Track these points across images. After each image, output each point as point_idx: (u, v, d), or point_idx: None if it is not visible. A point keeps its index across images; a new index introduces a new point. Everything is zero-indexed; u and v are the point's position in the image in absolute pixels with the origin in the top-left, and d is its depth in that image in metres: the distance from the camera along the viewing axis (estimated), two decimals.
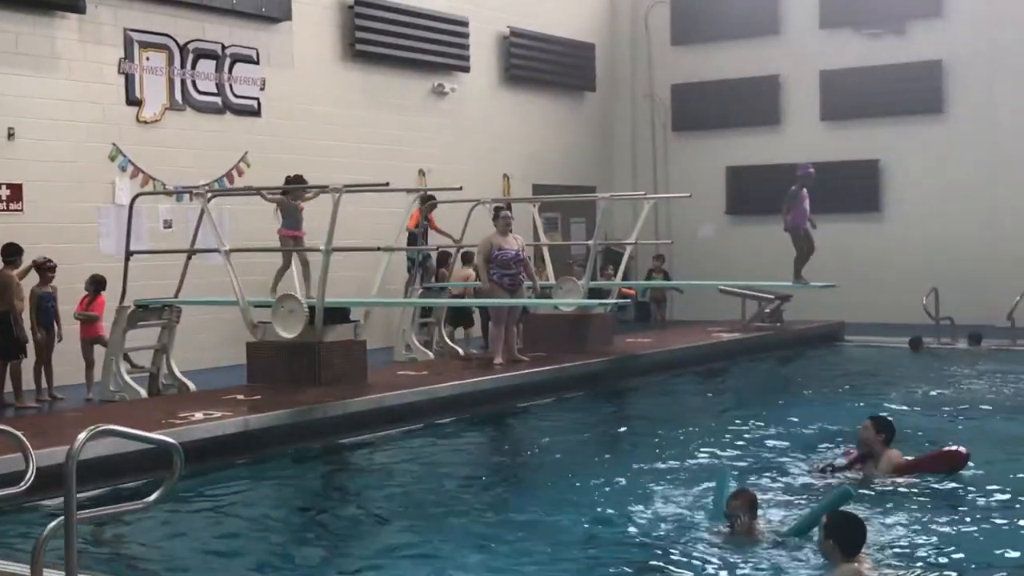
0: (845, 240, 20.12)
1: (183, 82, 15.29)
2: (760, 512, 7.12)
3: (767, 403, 12.99)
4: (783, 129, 22.22)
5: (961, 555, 6.70)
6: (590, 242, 15.86)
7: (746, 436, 10.63)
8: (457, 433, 11.20)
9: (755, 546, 6.76)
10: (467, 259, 15.96)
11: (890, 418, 8.98)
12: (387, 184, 12.18)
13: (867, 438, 8.64)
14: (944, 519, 7.39)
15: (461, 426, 11.44)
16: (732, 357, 16.39)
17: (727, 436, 10.57)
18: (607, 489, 8.47)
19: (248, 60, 16.07)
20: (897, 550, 6.74)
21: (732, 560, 6.58)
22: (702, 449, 9.89)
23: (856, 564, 5.95)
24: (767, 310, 18.29)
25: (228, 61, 15.81)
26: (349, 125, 17.41)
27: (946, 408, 12.05)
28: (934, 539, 7.00)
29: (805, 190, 16.45)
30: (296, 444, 10.08)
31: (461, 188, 13.42)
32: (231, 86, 15.85)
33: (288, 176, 13.54)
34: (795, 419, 11.36)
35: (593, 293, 15.98)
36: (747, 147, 22.31)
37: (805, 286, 16.85)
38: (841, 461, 8.84)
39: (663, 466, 9.25)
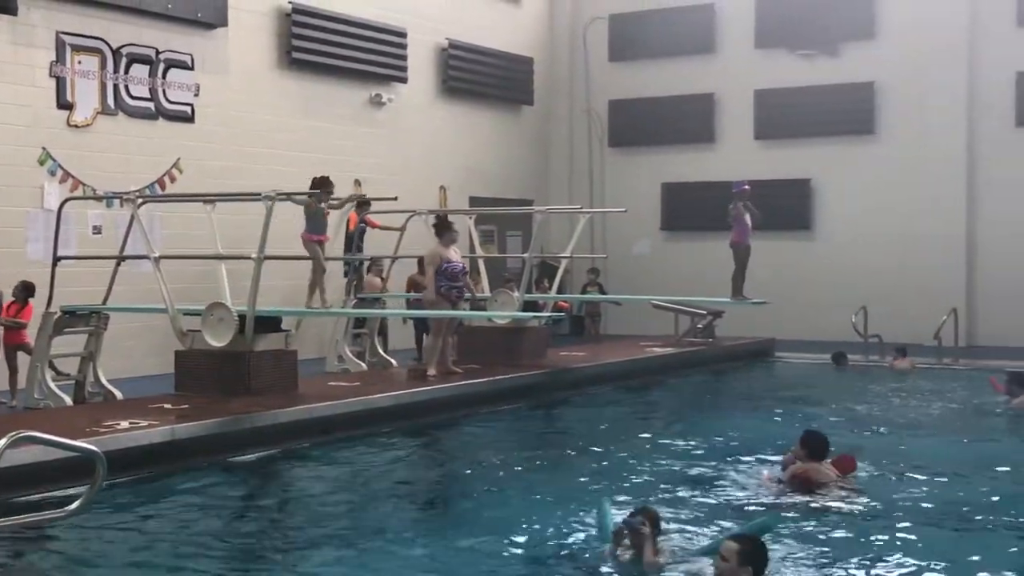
0: (776, 258, 20.34)
1: (116, 87, 15.09)
2: (663, 530, 6.90)
3: (695, 417, 13.15)
4: (718, 147, 22.44)
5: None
6: (526, 255, 15.88)
7: (671, 450, 10.69)
8: (388, 445, 11.13)
9: (655, 568, 6.55)
10: (374, 268, 15.86)
11: (820, 434, 9.08)
12: (320, 192, 12.08)
13: (794, 452, 8.93)
14: (835, 540, 7.40)
15: (392, 438, 11.37)
16: (664, 372, 16.50)
17: (652, 451, 10.65)
18: (523, 504, 8.43)
19: (183, 66, 15.90)
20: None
21: None
22: (628, 463, 9.93)
23: None
24: (699, 325, 18.44)
25: (162, 66, 15.63)
26: (284, 133, 17.30)
27: (860, 424, 12.19)
28: (823, 560, 6.95)
29: (741, 205, 16.62)
30: (224, 454, 9.96)
31: (396, 199, 13.37)
32: (165, 92, 15.68)
33: (315, 178, 13.28)
34: (720, 433, 11.47)
35: (528, 306, 16.00)
36: (682, 164, 22.50)
37: (742, 302, 17.02)
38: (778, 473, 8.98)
39: (585, 481, 9.24)
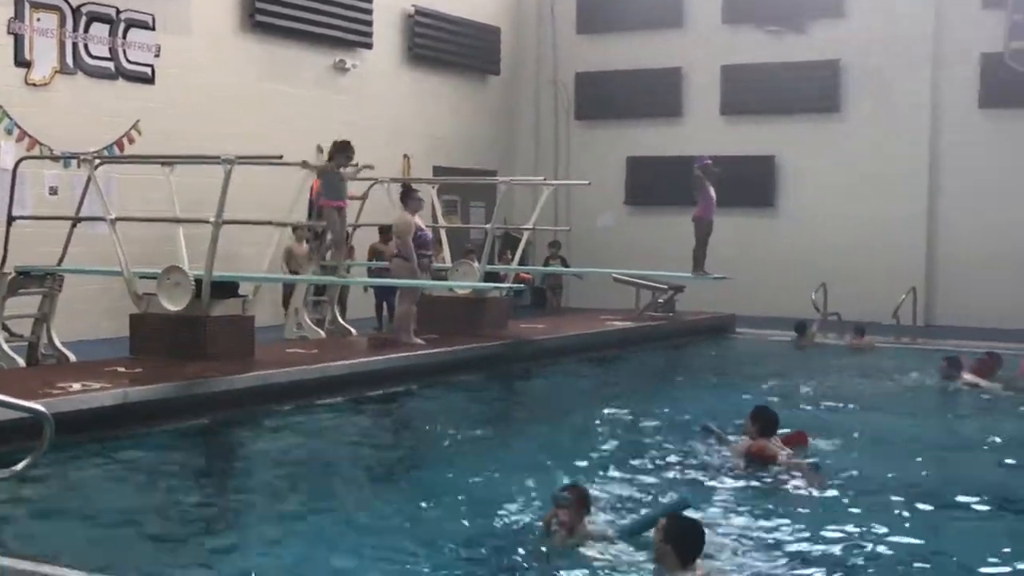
0: (738, 234, 20.37)
1: (75, 45, 14.87)
2: (593, 510, 6.74)
3: (652, 392, 13.19)
4: (684, 121, 22.41)
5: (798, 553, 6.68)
6: (488, 226, 15.81)
7: (625, 424, 10.68)
8: (344, 413, 11.06)
9: (579, 547, 6.37)
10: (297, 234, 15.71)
11: (768, 409, 9.13)
12: (280, 157, 11.95)
13: (744, 427, 9.06)
14: (787, 517, 7.37)
15: (348, 406, 11.29)
16: (624, 345, 16.48)
17: (607, 424, 10.62)
18: (475, 476, 8.38)
19: (143, 26, 15.67)
20: (740, 550, 6.65)
21: (553, 562, 6.25)
22: (582, 436, 9.91)
23: (692, 572, 5.73)
24: (660, 300, 18.43)
25: (122, 26, 15.41)
26: (246, 97, 17.10)
27: (814, 401, 12.23)
28: (774, 538, 6.93)
29: (706, 180, 16.64)
30: (177, 419, 9.85)
31: (373, 167, 13.22)
32: (125, 51, 15.46)
33: (335, 141, 13.04)
34: (675, 408, 11.46)
35: (489, 277, 15.94)
36: (648, 138, 22.45)
37: (703, 277, 17.04)
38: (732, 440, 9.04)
39: (539, 454, 9.17)
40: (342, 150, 12.90)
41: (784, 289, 20.08)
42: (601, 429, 10.36)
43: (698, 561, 5.80)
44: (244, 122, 16.77)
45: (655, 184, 22.08)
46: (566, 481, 7.33)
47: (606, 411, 11.27)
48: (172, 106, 15.93)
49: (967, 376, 12.95)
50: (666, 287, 18.43)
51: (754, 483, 8.31)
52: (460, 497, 7.72)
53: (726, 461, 8.85)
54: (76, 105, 14.84)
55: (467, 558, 6.40)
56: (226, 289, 12.05)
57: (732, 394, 12.54)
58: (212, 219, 11.51)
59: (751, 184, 21.18)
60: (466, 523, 7.09)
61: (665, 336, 17.68)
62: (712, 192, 16.67)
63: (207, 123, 16.18)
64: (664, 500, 7.45)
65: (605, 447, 9.55)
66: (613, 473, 8.48)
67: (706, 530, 6.12)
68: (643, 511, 7.11)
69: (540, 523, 6.66)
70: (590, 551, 6.33)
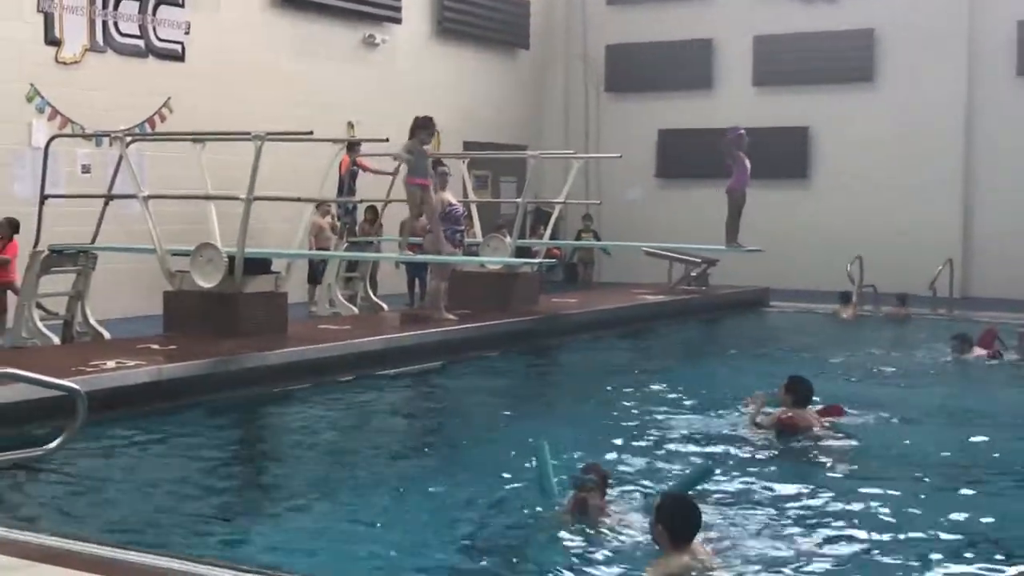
0: (772, 206, 20.20)
1: (104, 23, 14.89)
2: (611, 490, 6.56)
3: (685, 366, 13.11)
4: (715, 93, 22.23)
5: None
6: (519, 200, 15.73)
7: (657, 398, 10.55)
8: (377, 389, 11.04)
9: (596, 528, 6.22)
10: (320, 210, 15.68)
11: (805, 380, 9.01)
12: (311, 133, 11.91)
13: (779, 395, 8.92)
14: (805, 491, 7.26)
15: (381, 382, 11.28)
16: (656, 319, 16.39)
17: (638, 399, 10.50)
18: (505, 452, 8.27)
19: (173, 3, 15.68)
20: (760, 522, 6.54)
21: (570, 544, 6.10)
22: (612, 413, 9.79)
23: (686, 555, 5.46)
24: (693, 273, 18.33)
25: (152, 3, 15.43)
26: (276, 74, 17.08)
27: (851, 373, 12.14)
28: (798, 511, 6.84)
29: (740, 152, 16.46)
30: (211, 395, 9.85)
31: (388, 140, 13.18)
32: (155, 29, 15.46)
33: (417, 117, 13.00)
34: (707, 383, 11.36)
35: (521, 252, 15.87)
36: (679, 110, 22.29)
37: (737, 250, 16.91)
38: (762, 418, 8.92)
39: (565, 430, 9.04)
40: (424, 127, 12.70)
41: (818, 262, 19.94)
42: (633, 404, 10.25)
43: (695, 542, 5.54)
44: (274, 99, 16.75)
45: (686, 157, 21.92)
46: (583, 461, 7.20)
47: (638, 386, 11.20)
48: (202, 83, 15.92)
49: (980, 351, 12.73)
50: (699, 260, 18.31)
51: (785, 454, 8.24)
52: (492, 476, 7.66)
53: (757, 431, 8.78)
54: (107, 83, 14.86)
55: (494, 541, 6.29)
56: (259, 266, 12.06)
57: (768, 367, 12.42)
58: (243, 196, 11.49)
59: (784, 156, 20.99)
60: (496, 504, 6.96)
61: (698, 310, 17.58)
62: (747, 163, 16.49)
63: (237, 100, 16.18)
64: (688, 470, 7.37)
65: (637, 422, 9.46)
66: (642, 447, 8.42)
67: (714, 507, 5.98)
68: (669, 483, 7.04)
69: (560, 508, 6.50)
70: (613, 530, 6.23)
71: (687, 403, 10.37)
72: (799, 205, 21.22)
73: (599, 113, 23.20)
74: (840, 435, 8.70)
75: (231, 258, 11.50)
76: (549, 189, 20.71)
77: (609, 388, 11.19)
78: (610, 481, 6.60)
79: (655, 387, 11.17)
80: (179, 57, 15.78)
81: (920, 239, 19.86)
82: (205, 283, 11.57)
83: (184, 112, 15.47)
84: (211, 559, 5.19)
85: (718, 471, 7.30)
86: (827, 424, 8.85)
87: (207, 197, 12.38)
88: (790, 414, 8.73)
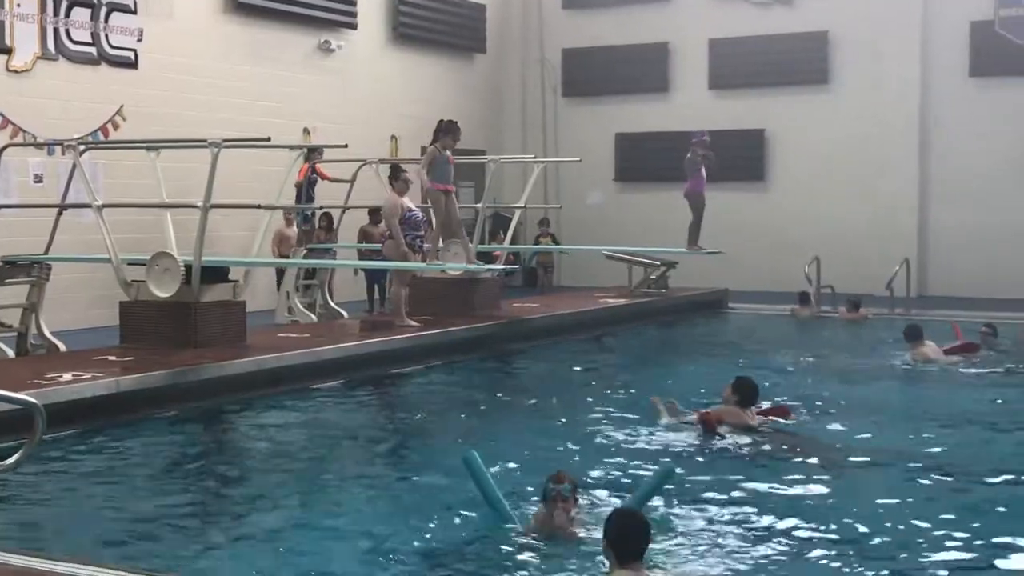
0: (729, 209, 20.24)
1: (56, 30, 14.68)
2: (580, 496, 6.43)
3: (645, 369, 13.08)
4: (672, 96, 22.29)
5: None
6: (479, 205, 15.68)
7: (616, 401, 10.49)
8: (337, 397, 10.94)
9: (566, 539, 6.09)
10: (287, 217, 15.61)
11: (749, 380, 9.12)
12: (268, 139, 11.80)
13: (724, 396, 9.07)
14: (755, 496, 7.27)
15: (342, 391, 11.18)
16: (617, 323, 16.41)
17: (597, 403, 10.45)
18: (458, 465, 8.15)
19: (125, 10, 15.48)
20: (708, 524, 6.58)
21: (534, 558, 5.96)
22: (574, 419, 9.73)
23: (631, 572, 5.20)
24: (653, 276, 18.34)
25: (104, 10, 15.22)
26: (231, 80, 16.92)
27: (804, 373, 12.23)
28: (748, 509, 6.86)
29: (700, 155, 16.56)
30: (170, 407, 9.73)
31: (347, 146, 13.09)
32: (107, 36, 15.27)
33: (441, 120, 12.79)
34: (666, 385, 11.23)
35: (481, 257, 15.80)
36: (636, 114, 22.32)
37: (698, 252, 16.95)
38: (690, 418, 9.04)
39: (527, 437, 9.04)
40: (448, 132, 12.60)
41: (776, 263, 20.03)
42: (594, 409, 10.18)
43: (642, 563, 5.29)
44: (230, 105, 16.59)
45: (644, 160, 21.97)
46: (550, 470, 7.10)
47: (599, 390, 11.15)
48: (156, 91, 15.74)
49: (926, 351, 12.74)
50: (658, 263, 18.33)
51: (727, 452, 8.38)
52: (454, 482, 7.57)
53: (695, 430, 8.81)
54: (59, 91, 14.66)
55: (458, 550, 6.18)
56: (216, 274, 11.90)
57: (726, 368, 12.42)
58: (200, 204, 11.35)
59: (741, 158, 21.06)
60: (459, 513, 6.81)
61: (658, 312, 17.59)
62: (703, 169, 16.60)
63: (192, 107, 16.01)
64: (649, 474, 7.25)
65: (598, 427, 9.36)
66: (603, 452, 8.39)
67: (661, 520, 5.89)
68: (632, 490, 6.90)
69: (532, 516, 6.39)
70: (582, 542, 6.10)
71: (644, 405, 10.26)
72: (756, 207, 21.30)
73: (557, 117, 23.19)
74: (779, 434, 8.78)
75: (188, 267, 11.35)
76: (508, 194, 20.67)
77: (570, 393, 11.17)
78: (579, 490, 6.47)
79: (616, 391, 11.10)
80: (132, 64, 15.59)
81: (877, 240, 20.00)
82: (162, 293, 11.41)
83: (138, 120, 15.29)
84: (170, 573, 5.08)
85: (680, 470, 7.25)
86: (767, 423, 8.93)
87: (163, 206, 12.23)
88: (708, 411, 8.85)
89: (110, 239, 11.72)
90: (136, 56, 15.63)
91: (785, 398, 10.10)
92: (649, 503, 6.44)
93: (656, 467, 7.46)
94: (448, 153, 13.00)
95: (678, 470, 7.14)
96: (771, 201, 21.38)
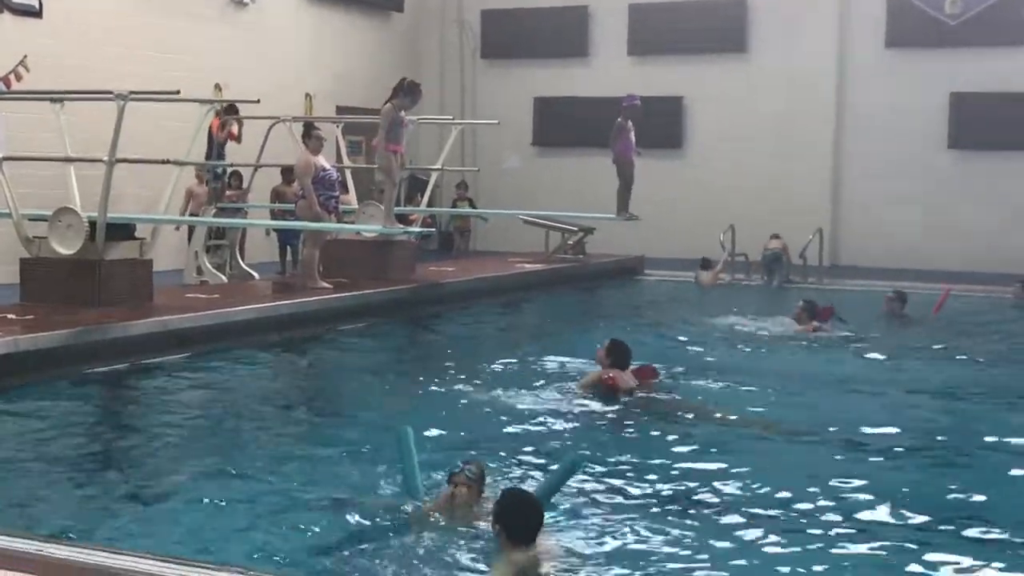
0: (647, 176, 20.09)
1: None
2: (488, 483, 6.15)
3: (556, 335, 13.04)
4: (591, 61, 22.17)
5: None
6: None
7: (530, 369, 10.34)
8: (247, 360, 10.67)
9: (466, 523, 5.84)
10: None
11: (623, 342, 9.21)
12: (177, 92, 11.42)
13: (599, 359, 9.17)
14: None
15: (250, 353, 10.90)
16: (533, 288, 16.34)
17: (513, 370, 10.32)
18: (375, 427, 8.01)
19: None
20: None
21: (433, 540, 5.71)
22: (483, 384, 9.57)
23: (525, 554, 5.12)
24: (570, 242, 18.29)
25: None
26: (140, 33, 16.41)
27: (704, 338, 12.31)
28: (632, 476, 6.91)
29: (630, 122, 16.46)
30: (73, 367, 9.42)
31: (259, 101, 12.76)
32: None
33: (402, 79, 12.44)
34: (580, 351, 11.09)
35: (397, 220, 15.56)
36: (556, 78, 22.18)
37: (631, 219, 16.90)
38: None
39: (436, 405, 8.80)
40: (408, 93, 12.26)
41: (693, 231, 20.06)
42: (505, 374, 10.08)
43: (537, 541, 5.22)
44: (139, 58, 16.10)
45: (563, 125, 21.84)
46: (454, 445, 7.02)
47: (510, 357, 10.93)
48: (62, 42, 15.21)
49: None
50: (575, 229, 18.28)
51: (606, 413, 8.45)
52: (363, 449, 7.42)
53: (584, 393, 8.90)
54: None
55: (351, 532, 5.92)
56: (122, 231, 11.56)
57: (634, 335, 12.32)
58: (105, 158, 10.98)
59: (659, 125, 20.97)
60: (358, 490, 6.53)
61: (574, 278, 17.56)
62: (631, 134, 16.51)
63: (100, 60, 15.50)
64: (556, 466, 6.74)
65: (508, 392, 9.19)
66: (514, 418, 8.31)
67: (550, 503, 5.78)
68: (538, 479, 6.64)
69: (429, 500, 6.13)
70: (480, 526, 5.83)
71: (552, 373, 10.16)
72: (674, 175, 21.29)
73: (475, 80, 22.95)
74: (656, 395, 8.94)
75: (92, 223, 10.99)
76: (425, 156, 20.42)
77: (482, 358, 10.96)
78: (486, 478, 6.17)
79: (526, 358, 10.87)
80: (36, 13, 15.04)
81: (791, 208, 20.11)
82: (65, 250, 11.06)
83: (43, 71, 14.74)
84: (71, 541, 4.87)
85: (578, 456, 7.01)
86: (640, 384, 9.01)
87: (66, 159, 11.82)
88: (611, 375, 8.86)
89: (11, 193, 11.33)
90: (40, 5, 15.08)
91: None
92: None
93: (564, 451, 7.27)
94: (403, 114, 12.73)
95: (583, 452, 7.05)
96: (689, 168, 21.41)
